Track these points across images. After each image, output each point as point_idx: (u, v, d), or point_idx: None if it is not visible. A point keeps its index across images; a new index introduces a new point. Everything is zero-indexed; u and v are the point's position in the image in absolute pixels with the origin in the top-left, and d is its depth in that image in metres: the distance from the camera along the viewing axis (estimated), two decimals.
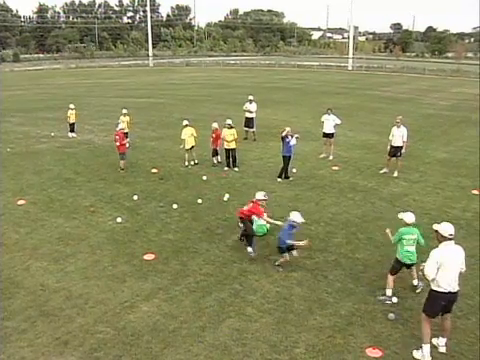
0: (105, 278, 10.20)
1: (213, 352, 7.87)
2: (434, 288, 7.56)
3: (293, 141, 16.60)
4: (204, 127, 21.97)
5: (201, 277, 10.25)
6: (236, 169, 17.99)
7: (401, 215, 9.46)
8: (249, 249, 11.12)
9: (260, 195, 11.47)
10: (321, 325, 8.58)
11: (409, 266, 9.46)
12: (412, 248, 9.27)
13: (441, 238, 7.59)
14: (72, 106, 24.61)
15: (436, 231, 7.63)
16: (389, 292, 9.34)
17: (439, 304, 7.59)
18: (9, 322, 8.67)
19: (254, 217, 12.00)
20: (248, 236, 11.34)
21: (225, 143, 18.03)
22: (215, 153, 18.84)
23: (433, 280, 7.49)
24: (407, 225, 9.28)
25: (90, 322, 8.65)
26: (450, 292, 7.49)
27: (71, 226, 12.98)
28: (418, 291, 9.56)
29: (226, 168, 18.13)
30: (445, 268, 7.38)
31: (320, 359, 7.73)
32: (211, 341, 8.14)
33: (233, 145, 18.04)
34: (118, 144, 17.85)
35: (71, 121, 24.55)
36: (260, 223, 12.29)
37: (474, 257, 11.04)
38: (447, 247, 7.52)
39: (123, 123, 20.58)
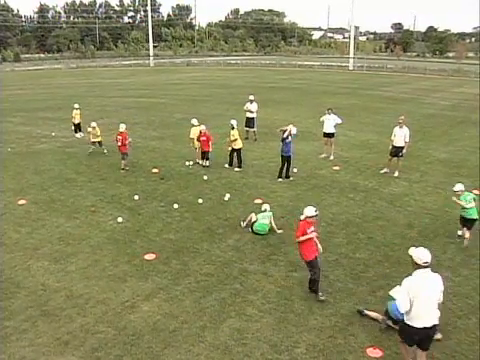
0: (106, 278, 10.21)
1: (214, 352, 7.88)
2: (407, 322, 6.75)
3: (294, 130, 16.50)
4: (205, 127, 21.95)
5: (202, 277, 10.25)
6: (236, 169, 17.97)
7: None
8: (320, 294, 9.41)
9: (311, 211, 9.31)
10: (322, 325, 8.58)
11: None
12: None
13: (415, 265, 6.72)
14: (77, 106, 24.47)
15: (411, 257, 6.82)
16: None
17: (413, 338, 6.86)
18: (10, 322, 8.67)
19: (259, 216, 12.40)
20: (315, 282, 9.45)
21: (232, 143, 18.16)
22: (203, 156, 18.45)
23: (407, 313, 6.68)
24: None
25: (91, 322, 8.66)
26: (425, 327, 6.66)
27: (72, 226, 12.99)
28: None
29: (227, 165, 18.38)
30: (419, 300, 6.54)
31: (321, 359, 7.73)
32: (212, 341, 8.15)
33: (237, 145, 18.03)
34: (120, 144, 17.86)
35: (76, 121, 24.38)
36: (262, 222, 12.35)
37: (475, 257, 11.05)
38: (422, 276, 6.64)
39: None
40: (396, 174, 17.36)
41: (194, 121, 19.10)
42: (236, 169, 18.03)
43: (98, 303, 9.26)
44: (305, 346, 8.01)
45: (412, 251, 6.82)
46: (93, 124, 22.27)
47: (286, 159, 16.66)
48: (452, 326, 8.53)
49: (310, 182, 16.76)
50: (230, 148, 18.39)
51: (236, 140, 17.92)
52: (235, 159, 18.26)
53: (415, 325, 6.65)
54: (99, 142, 20.62)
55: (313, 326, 8.55)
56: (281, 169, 16.78)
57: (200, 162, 18.53)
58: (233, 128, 17.89)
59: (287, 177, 16.82)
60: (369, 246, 11.75)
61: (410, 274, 6.74)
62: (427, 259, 6.66)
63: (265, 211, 12.68)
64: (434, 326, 6.75)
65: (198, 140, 18.37)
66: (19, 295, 9.56)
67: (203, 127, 18.28)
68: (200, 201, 14.69)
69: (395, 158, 17.43)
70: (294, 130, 16.58)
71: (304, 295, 9.53)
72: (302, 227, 9.18)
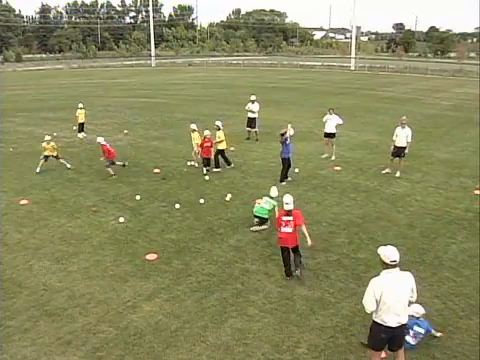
0: (107, 278, 10.23)
1: (215, 352, 7.89)
2: (375, 319, 6.66)
3: (291, 132, 16.34)
4: (206, 127, 21.94)
5: (203, 277, 10.26)
6: (215, 170, 17.76)
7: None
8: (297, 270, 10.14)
9: (281, 197, 10.20)
10: (323, 325, 8.59)
11: None
12: None
13: (383, 264, 6.62)
14: (81, 105, 24.43)
15: (379, 255, 6.70)
16: None
17: (381, 338, 6.71)
18: (12, 321, 8.69)
19: (264, 198, 12.80)
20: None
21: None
22: (207, 163, 17.80)
23: (373, 312, 6.61)
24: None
25: (92, 322, 8.68)
26: (392, 327, 6.56)
27: (74, 226, 13.01)
28: None
29: (215, 170, 17.94)
30: (387, 299, 6.44)
31: (322, 359, 7.74)
32: (213, 341, 8.15)
33: (221, 146, 17.88)
34: (107, 154, 17.41)
35: (80, 121, 24.38)
36: (262, 206, 12.71)
37: (476, 257, 11.03)
38: (389, 275, 6.55)
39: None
40: (398, 174, 17.35)
41: (193, 126, 18.46)
42: (214, 170, 17.81)
43: (100, 303, 9.28)
44: (306, 346, 8.01)
45: (380, 250, 6.69)
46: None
47: (287, 161, 16.56)
48: (454, 326, 8.53)
49: (311, 182, 16.76)
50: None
51: (222, 141, 17.78)
52: (222, 160, 18.07)
53: (383, 323, 6.57)
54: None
55: (314, 326, 8.56)
56: (282, 172, 16.68)
57: (204, 170, 17.56)
58: (219, 129, 17.80)
59: (285, 177, 16.72)
60: (370, 246, 11.73)
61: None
62: (395, 258, 6.54)
63: (272, 196, 12.79)
64: (402, 326, 6.64)
65: (201, 146, 17.74)
66: (21, 295, 9.58)
67: (207, 132, 17.71)
68: (202, 201, 14.70)
69: (397, 158, 17.42)
70: (292, 131, 16.46)
71: (306, 295, 9.53)
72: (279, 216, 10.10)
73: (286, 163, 16.53)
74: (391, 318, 6.52)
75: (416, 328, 8.00)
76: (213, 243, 11.92)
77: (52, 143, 18.42)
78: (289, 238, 9.91)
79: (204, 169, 17.56)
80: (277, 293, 9.62)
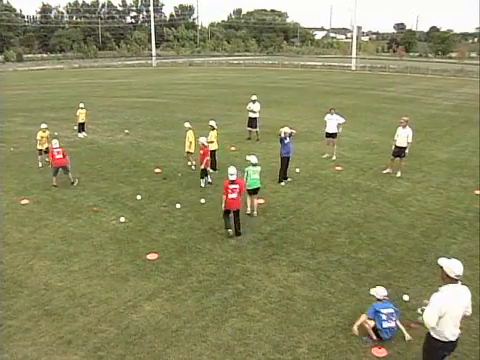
0: (108, 277, 10.24)
1: (216, 352, 7.89)
2: (435, 336, 6.38)
3: (288, 130, 16.18)
4: (207, 127, 21.96)
5: (204, 277, 10.27)
6: (211, 171, 17.15)
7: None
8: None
9: (232, 170, 11.99)
10: (324, 325, 8.59)
11: None
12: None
13: (446, 278, 6.24)
14: (82, 105, 24.41)
15: (441, 267, 6.33)
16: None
17: (440, 355, 6.55)
18: (12, 321, 8.70)
19: (249, 171, 13.42)
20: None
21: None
22: (205, 173, 16.30)
23: (433, 328, 6.32)
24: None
25: (93, 321, 8.69)
26: (451, 341, 6.39)
27: (74, 226, 13.02)
28: None
29: (210, 170, 17.29)
30: (449, 315, 6.18)
31: (323, 359, 7.74)
32: (214, 341, 8.16)
33: (213, 147, 17.49)
34: (61, 157, 16.29)
35: (80, 121, 24.37)
36: (253, 178, 13.38)
37: (476, 257, 11.04)
38: (451, 291, 6.18)
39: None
40: (398, 174, 17.35)
41: (187, 124, 18.03)
42: (210, 170, 17.41)
43: (100, 302, 9.29)
44: (307, 346, 8.02)
45: (443, 262, 6.26)
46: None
47: (286, 160, 16.52)
48: None
49: (312, 182, 16.76)
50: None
51: (213, 142, 17.46)
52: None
53: (444, 340, 6.34)
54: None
55: (315, 326, 8.56)
56: (281, 171, 16.66)
57: (201, 183, 16.26)
58: (213, 129, 17.53)
59: (285, 178, 16.67)
60: (371, 246, 11.75)
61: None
62: (460, 272, 6.20)
63: (255, 165, 13.46)
64: (457, 339, 6.49)
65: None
66: (22, 294, 9.59)
67: (203, 139, 16.24)
68: (202, 201, 14.71)
69: (398, 158, 17.43)
70: (288, 130, 16.35)
71: (306, 295, 9.54)
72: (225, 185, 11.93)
73: (285, 162, 16.49)
74: (450, 332, 6.33)
75: (384, 310, 8.26)
76: (214, 243, 11.92)
77: (48, 132, 18.56)
78: (235, 202, 11.96)
79: (201, 182, 16.25)
80: (278, 293, 9.63)
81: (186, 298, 9.45)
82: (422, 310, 6.44)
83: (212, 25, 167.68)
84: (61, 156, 16.27)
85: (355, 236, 12.35)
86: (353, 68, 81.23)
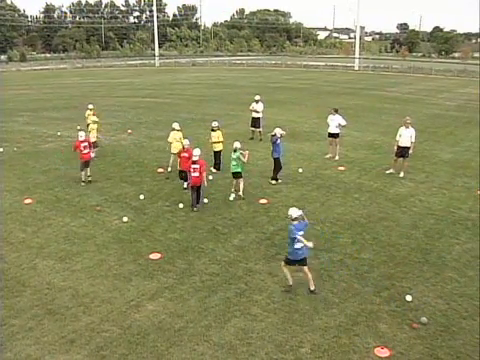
0: (111, 277, 10.25)
1: (218, 351, 7.90)
2: None
3: (280, 132, 16.09)
4: (209, 127, 21.98)
5: (207, 276, 10.28)
6: (215, 171, 17.47)
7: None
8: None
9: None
10: (326, 325, 8.59)
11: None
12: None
13: None
14: (91, 106, 24.37)
15: None
16: None
17: None
18: (16, 320, 8.73)
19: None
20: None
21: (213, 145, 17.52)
22: (184, 176, 15.60)
23: None
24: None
25: (96, 321, 8.70)
26: None
27: (77, 225, 13.05)
28: None
29: (214, 170, 17.64)
30: None
31: (325, 359, 7.74)
32: (216, 340, 8.17)
33: (218, 147, 17.50)
34: (87, 152, 16.52)
35: (89, 121, 24.32)
36: (233, 163, 14.67)
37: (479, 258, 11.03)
38: None
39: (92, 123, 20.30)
40: (401, 175, 17.32)
41: (175, 125, 17.41)
42: (213, 170, 17.61)
43: (103, 302, 9.31)
44: (310, 346, 8.02)
45: None
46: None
47: (278, 161, 16.46)
48: (457, 327, 8.52)
49: (315, 182, 16.75)
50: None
51: (215, 143, 17.40)
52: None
53: None
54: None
55: (318, 326, 8.56)
56: (274, 171, 16.59)
57: (184, 184, 15.73)
58: (217, 129, 17.46)
59: (275, 179, 16.58)
60: (374, 246, 11.75)
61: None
62: None
63: (235, 150, 14.58)
64: None
65: (179, 155, 15.68)
66: (25, 294, 9.62)
67: (186, 142, 15.73)
68: (205, 201, 14.72)
69: (401, 159, 17.40)
70: (280, 131, 16.25)
71: (309, 295, 9.53)
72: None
73: (278, 163, 16.48)
74: None
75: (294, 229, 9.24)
76: (216, 243, 11.93)
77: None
78: (197, 180, 13.79)
79: (184, 183, 15.73)
80: (280, 293, 9.63)
81: (189, 298, 9.46)
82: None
83: (215, 25, 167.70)
84: (87, 151, 16.62)
85: (358, 236, 12.34)
86: (356, 68, 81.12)
